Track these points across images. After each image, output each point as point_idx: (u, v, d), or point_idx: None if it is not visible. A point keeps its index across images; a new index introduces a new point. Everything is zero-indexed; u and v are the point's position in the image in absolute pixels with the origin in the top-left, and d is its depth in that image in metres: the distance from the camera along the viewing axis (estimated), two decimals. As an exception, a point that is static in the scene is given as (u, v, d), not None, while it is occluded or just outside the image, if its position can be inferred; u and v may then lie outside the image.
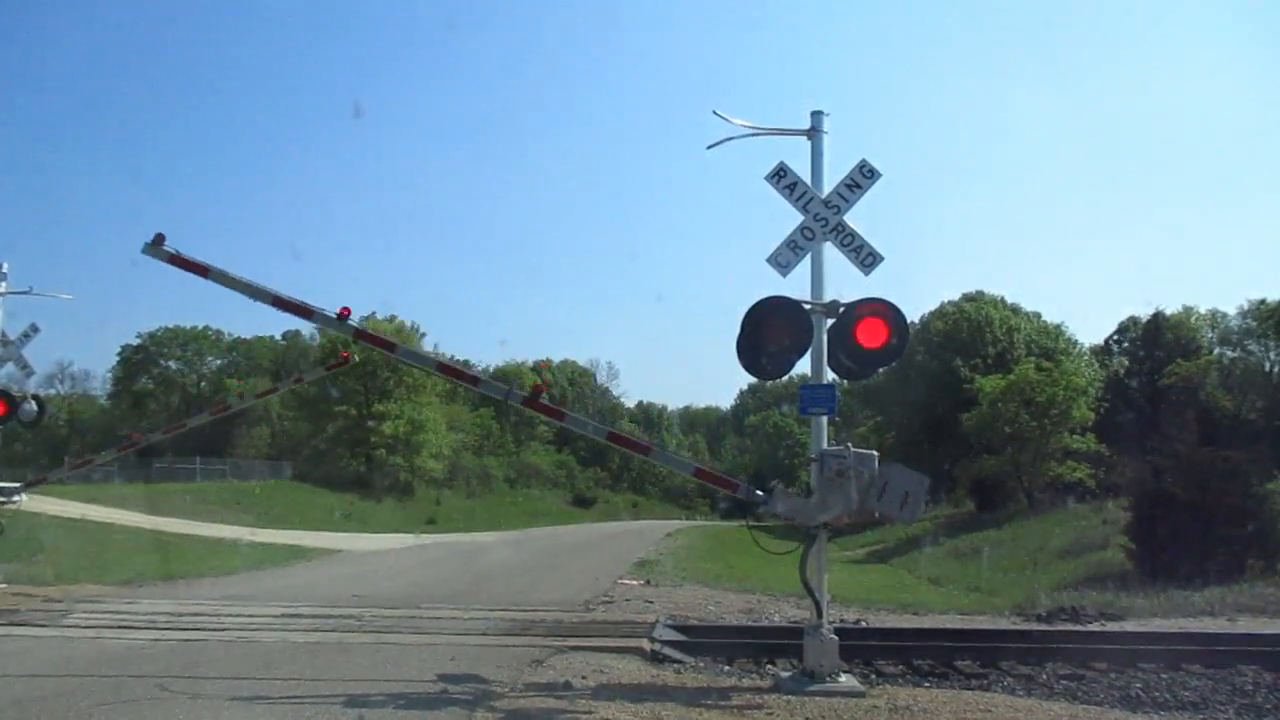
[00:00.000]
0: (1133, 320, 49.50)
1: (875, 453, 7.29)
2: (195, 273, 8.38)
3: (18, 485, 12.49)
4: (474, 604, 11.97)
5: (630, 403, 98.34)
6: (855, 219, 7.58)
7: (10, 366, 12.84)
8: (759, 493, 7.50)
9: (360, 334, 8.84)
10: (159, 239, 8.22)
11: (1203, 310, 48.35)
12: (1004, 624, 11.79)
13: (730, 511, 59.54)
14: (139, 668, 7.25)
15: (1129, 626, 11.32)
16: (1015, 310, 51.34)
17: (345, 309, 8.12)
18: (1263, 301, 41.93)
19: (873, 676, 8.16)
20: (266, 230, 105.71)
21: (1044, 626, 11.40)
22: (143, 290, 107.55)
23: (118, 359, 67.50)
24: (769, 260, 7.57)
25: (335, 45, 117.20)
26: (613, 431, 8.80)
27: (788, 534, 8.29)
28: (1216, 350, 44.92)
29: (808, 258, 7.58)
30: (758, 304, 7.32)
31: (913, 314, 49.73)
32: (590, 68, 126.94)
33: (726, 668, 8.39)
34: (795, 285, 7.56)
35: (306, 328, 76.04)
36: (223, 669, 7.30)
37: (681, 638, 9.41)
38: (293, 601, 11.89)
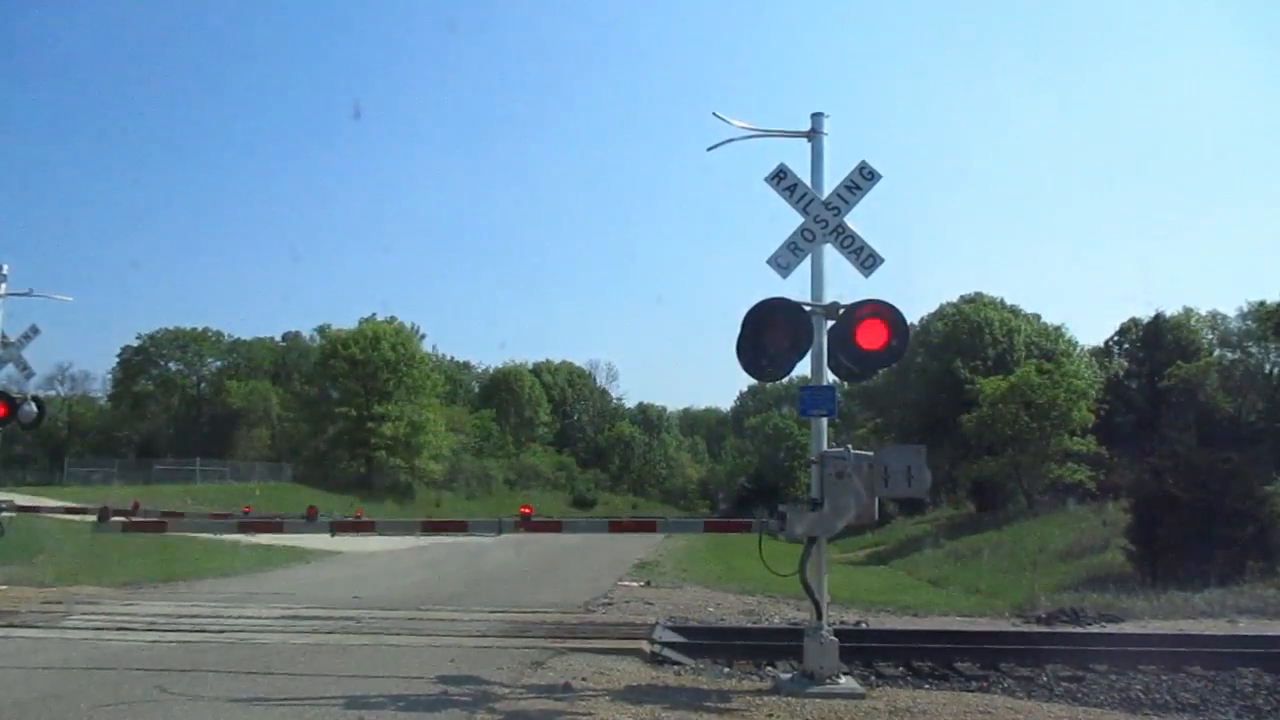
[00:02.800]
0: (1133, 322, 49.60)
1: (872, 453, 7.31)
2: (152, 530, 9.41)
3: (11, 500, 12.37)
4: (474, 605, 11.98)
5: (630, 404, 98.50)
6: (855, 220, 7.59)
7: (10, 368, 12.81)
8: (771, 520, 7.50)
9: (339, 525, 9.25)
10: (104, 513, 9.40)
11: (1203, 312, 48.50)
12: (1004, 626, 11.79)
13: (731, 513, 59.56)
14: (138, 669, 7.25)
15: (1129, 628, 11.32)
16: (1015, 312, 51.38)
17: (312, 508, 8.75)
18: (1262, 303, 41.99)
19: (873, 678, 8.15)
20: (267, 231, 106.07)
21: (1044, 628, 11.39)
22: (142, 292, 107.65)
23: (117, 360, 67.64)
24: (769, 262, 7.57)
25: (335, 46, 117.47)
26: (613, 520, 9.27)
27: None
28: (1216, 352, 44.98)
29: (808, 259, 7.58)
30: (758, 305, 7.32)
31: (913, 315, 49.74)
32: (590, 69, 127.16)
33: (726, 669, 8.38)
34: (795, 287, 7.58)
35: (306, 329, 76.55)
36: (222, 670, 7.30)
37: (681, 639, 9.40)
38: (292, 603, 11.89)
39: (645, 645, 8.82)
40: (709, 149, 7.81)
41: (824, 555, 7.43)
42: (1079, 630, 11.10)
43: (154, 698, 6.32)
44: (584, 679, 7.11)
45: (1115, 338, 51.07)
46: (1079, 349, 50.43)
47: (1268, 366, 43.22)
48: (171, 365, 68.85)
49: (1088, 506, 29.71)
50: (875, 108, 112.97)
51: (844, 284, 7.66)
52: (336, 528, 9.00)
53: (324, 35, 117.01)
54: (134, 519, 10.12)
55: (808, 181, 7.65)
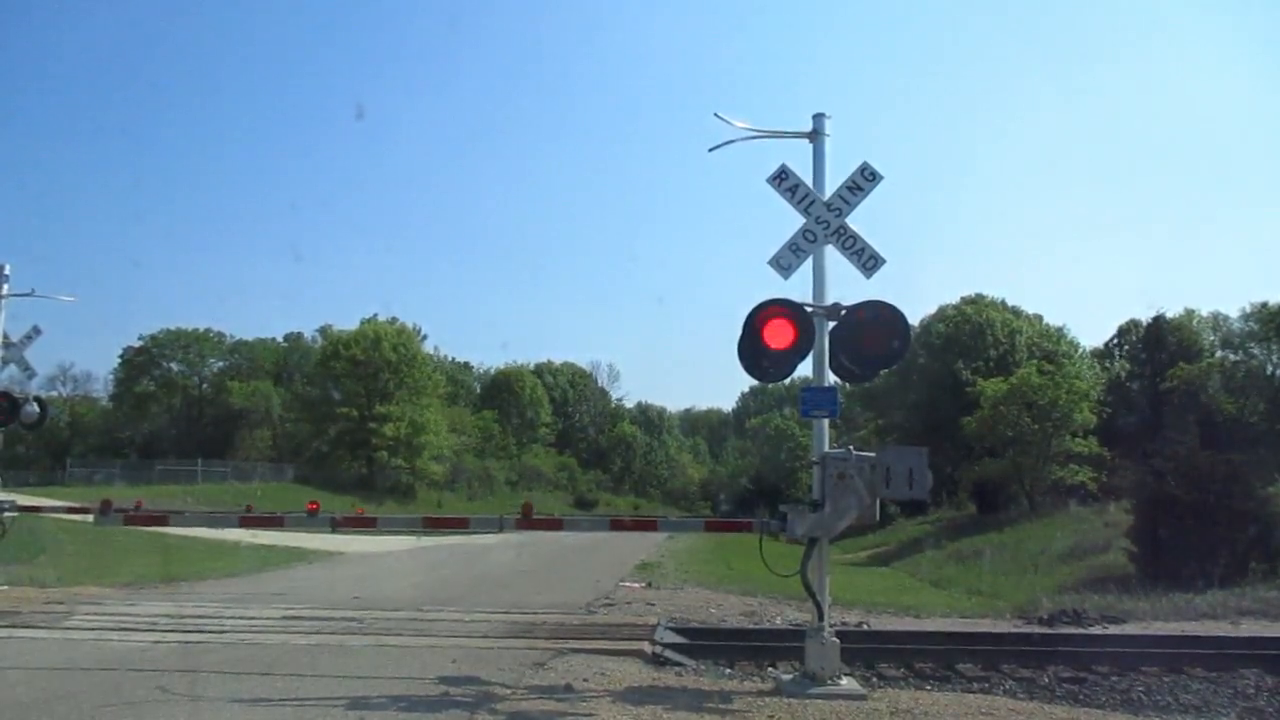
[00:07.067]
0: (1134, 323, 49.52)
1: (874, 455, 7.31)
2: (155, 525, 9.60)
3: (13, 500, 12.32)
4: (475, 606, 11.98)
5: (631, 405, 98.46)
6: (856, 221, 7.60)
7: (12, 368, 12.83)
8: (773, 521, 7.51)
9: (341, 521, 9.62)
10: (105, 505, 9.34)
11: (1204, 313, 48.37)
12: (1006, 627, 11.78)
13: (733, 513, 59.55)
14: (140, 669, 7.26)
15: (1131, 629, 11.32)
16: (1016, 313, 51.31)
17: (314, 503, 8.79)
18: (1265, 304, 41.91)
19: (874, 679, 8.17)
20: (268, 231, 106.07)
21: (1046, 629, 11.40)
22: (144, 292, 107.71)
23: (119, 361, 67.65)
24: (770, 262, 7.58)
25: (336, 46, 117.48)
26: (614, 519, 9.41)
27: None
28: (1218, 353, 44.87)
29: (809, 260, 7.58)
30: (759, 306, 7.33)
31: (914, 316, 49.72)
32: (592, 69, 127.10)
33: (728, 670, 8.40)
34: (797, 287, 7.59)
35: (308, 330, 76.60)
36: (224, 671, 7.31)
37: (683, 640, 9.42)
38: (294, 603, 11.89)
39: (646, 646, 8.82)
40: (710, 150, 7.83)
41: (825, 556, 7.43)
42: (1081, 631, 11.10)
43: (156, 698, 6.33)
44: (585, 680, 7.12)
45: (1116, 339, 51.01)
46: (1081, 350, 50.40)
47: (1270, 368, 43.07)
48: (173, 366, 68.79)
49: (1089, 508, 29.67)
50: (877, 108, 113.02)
51: (845, 284, 7.67)
52: (338, 524, 9.01)
53: (324, 35, 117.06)
54: (135, 513, 10.11)
55: (809, 182, 7.65)
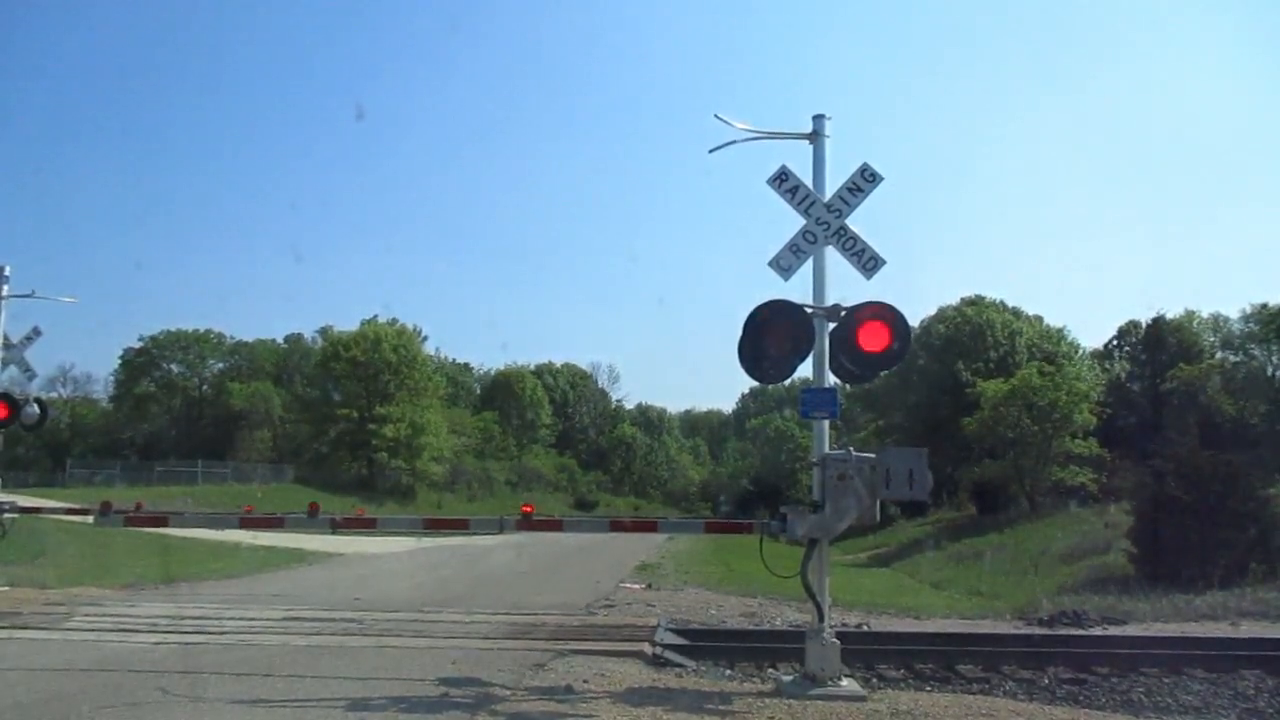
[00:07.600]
0: (1134, 324, 49.53)
1: (874, 455, 7.31)
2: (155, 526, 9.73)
3: (14, 502, 12.26)
4: (475, 607, 11.98)
5: (631, 406, 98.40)
6: (856, 222, 7.61)
7: (13, 369, 12.84)
8: (773, 522, 7.51)
9: (341, 522, 9.95)
10: (105, 506, 9.45)
11: (1205, 314, 48.38)
12: (1006, 628, 11.79)
13: (733, 515, 59.53)
14: (141, 670, 7.26)
15: (1131, 631, 11.32)
16: (1017, 314, 51.32)
17: (314, 505, 8.85)
18: (1265, 305, 41.89)
19: (874, 680, 8.17)
20: (268, 231, 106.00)
21: (1046, 630, 11.40)
22: (144, 293, 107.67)
23: (119, 362, 67.62)
24: (770, 264, 7.59)
25: (337, 46, 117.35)
26: (614, 520, 9.59)
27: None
28: (1219, 354, 44.86)
29: (809, 261, 7.59)
30: (759, 307, 7.34)
31: (914, 317, 49.70)
32: (592, 70, 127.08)
33: (728, 671, 8.40)
34: (797, 288, 7.60)
35: (308, 331, 76.57)
36: (224, 672, 7.31)
37: (683, 641, 9.41)
38: (294, 604, 11.89)
39: (647, 647, 8.82)
40: (711, 151, 7.85)
41: (825, 557, 7.43)
42: (1081, 633, 11.10)
43: (156, 699, 6.33)
44: (585, 681, 7.12)
45: (1116, 340, 51.02)
46: (1081, 351, 50.41)
47: (1270, 369, 43.07)
48: (173, 367, 68.76)
49: (1089, 509, 29.68)
50: (877, 109, 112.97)
51: (845, 285, 7.68)
52: (338, 525, 9.04)
53: (324, 35, 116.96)
54: (135, 514, 10.14)
55: (809, 183, 7.66)
